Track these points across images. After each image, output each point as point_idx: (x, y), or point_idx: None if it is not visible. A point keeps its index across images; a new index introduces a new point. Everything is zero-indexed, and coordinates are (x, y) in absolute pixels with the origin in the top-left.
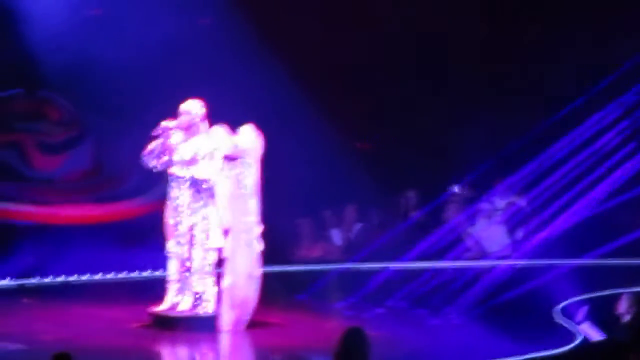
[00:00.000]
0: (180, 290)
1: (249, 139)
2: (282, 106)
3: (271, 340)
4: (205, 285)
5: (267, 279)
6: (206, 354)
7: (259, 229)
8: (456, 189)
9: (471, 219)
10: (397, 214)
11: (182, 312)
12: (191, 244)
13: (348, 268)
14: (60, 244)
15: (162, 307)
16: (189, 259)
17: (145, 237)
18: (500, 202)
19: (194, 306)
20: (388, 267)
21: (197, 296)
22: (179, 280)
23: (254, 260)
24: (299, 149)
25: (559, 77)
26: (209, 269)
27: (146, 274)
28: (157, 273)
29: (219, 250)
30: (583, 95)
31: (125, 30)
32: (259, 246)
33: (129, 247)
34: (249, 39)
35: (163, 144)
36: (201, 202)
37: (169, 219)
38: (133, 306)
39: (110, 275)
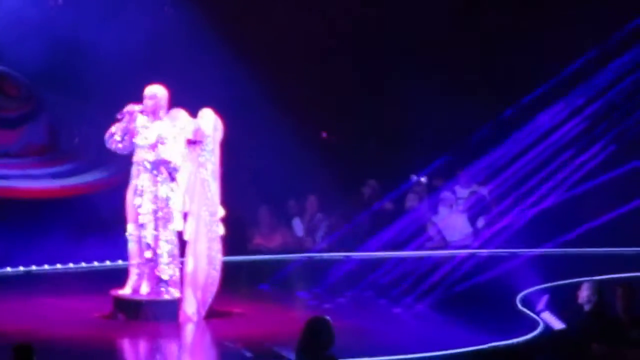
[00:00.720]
0: (142, 274)
1: (210, 122)
2: (245, 96)
3: (234, 330)
4: (168, 269)
5: (228, 268)
6: (169, 344)
7: (220, 212)
8: (418, 178)
9: (433, 208)
10: (359, 204)
11: (144, 295)
12: (153, 227)
13: (310, 257)
14: (21, 233)
15: (124, 291)
16: (152, 242)
17: (107, 227)
18: (462, 191)
19: (157, 290)
20: (350, 257)
21: (160, 280)
22: (140, 264)
23: (215, 244)
24: (262, 139)
25: (523, 63)
26: (170, 252)
27: (108, 263)
28: (119, 262)
29: (180, 233)
30: (546, 82)
31: (91, 14)
32: (220, 230)
33: (90, 237)
34: (211, 28)
35: (126, 127)
36: (163, 186)
37: (131, 201)
38: (95, 296)
39: (71, 266)
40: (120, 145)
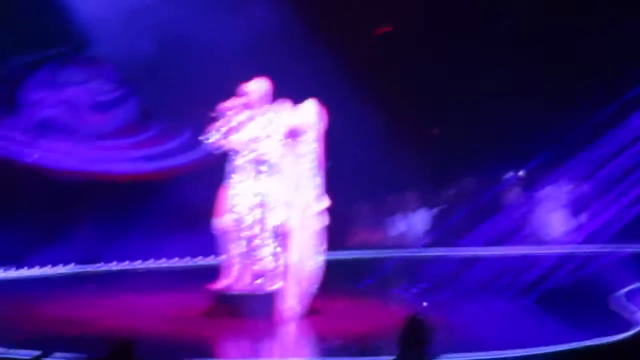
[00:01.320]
0: (241, 268)
1: (311, 114)
2: (345, 92)
3: (333, 327)
4: (267, 263)
5: (327, 264)
6: (269, 342)
7: (322, 204)
8: (518, 173)
9: (533, 205)
10: (459, 200)
11: (244, 289)
12: (253, 220)
13: (410, 254)
14: (120, 229)
15: (223, 285)
16: (252, 236)
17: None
18: (564, 187)
19: (256, 283)
20: (450, 253)
21: (260, 273)
22: (240, 258)
23: (318, 235)
24: (361, 134)
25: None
26: (270, 245)
27: (209, 260)
28: (218, 258)
29: (282, 226)
30: None
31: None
32: (322, 221)
33: (190, 233)
34: (312, 20)
35: (225, 124)
36: (263, 179)
37: (231, 195)
38: (195, 293)
39: (171, 262)
40: (222, 143)
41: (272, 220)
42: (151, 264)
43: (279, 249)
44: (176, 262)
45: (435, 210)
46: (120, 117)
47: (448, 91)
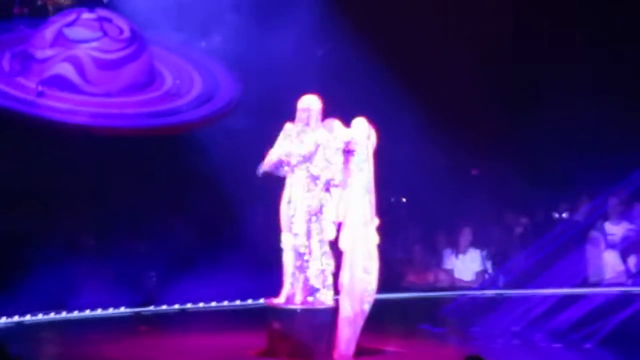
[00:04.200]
0: (295, 284)
1: (363, 131)
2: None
3: None
4: (320, 279)
5: (381, 305)
6: None
7: (375, 222)
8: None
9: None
10: (511, 240)
11: (297, 304)
12: (306, 237)
13: (465, 295)
14: (176, 270)
15: (278, 300)
16: (305, 252)
17: (267, 264)
18: (614, 228)
19: (309, 299)
20: (507, 294)
21: (313, 289)
22: (293, 273)
23: (371, 254)
24: (413, 172)
25: None
26: (323, 262)
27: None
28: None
29: (335, 243)
30: None
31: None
32: (375, 239)
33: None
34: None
35: (285, 152)
36: (316, 195)
37: (285, 211)
38: (250, 334)
39: (225, 303)
40: (286, 168)
41: (326, 237)
42: (210, 305)
43: (331, 266)
44: (236, 304)
45: (489, 250)
46: (129, 74)
47: (498, 131)
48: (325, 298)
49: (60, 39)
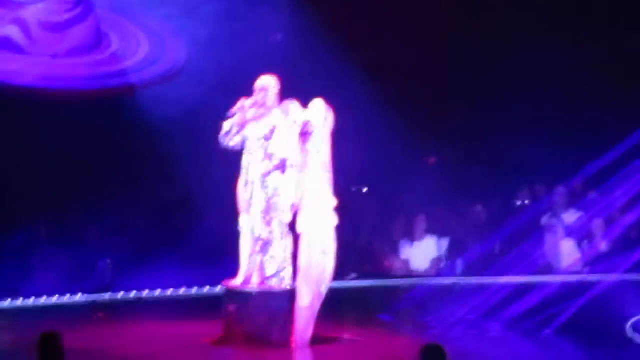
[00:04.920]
0: (252, 266)
1: (320, 113)
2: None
3: (341, 356)
4: (277, 261)
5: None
6: None
7: (332, 203)
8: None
9: (539, 234)
10: (468, 228)
11: (254, 287)
12: (263, 219)
13: (420, 282)
14: (133, 259)
15: (235, 282)
16: (262, 234)
17: (220, 253)
18: (569, 217)
19: (267, 282)
20: (460, 282)
21: (272, 271)
22: (252, 255)
23: (328, 236)
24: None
25: None
26: (280, 244)
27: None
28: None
29: (293, 225)
30: None
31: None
32: (334, 220)
33: (203, 262)
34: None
35: (239, 122)
36: (274, 177)
37: (242, 193)
38: (206, 322)
39: (182, 291)
40: (237, 139)
41: (282, 218)
42: (165, 293)
43: (289, 248)
44: (190, 292)
45: (447, 238)
46: (76, 36)
47: (454, 120)
48: (283, 281)
49: (5, 1)
